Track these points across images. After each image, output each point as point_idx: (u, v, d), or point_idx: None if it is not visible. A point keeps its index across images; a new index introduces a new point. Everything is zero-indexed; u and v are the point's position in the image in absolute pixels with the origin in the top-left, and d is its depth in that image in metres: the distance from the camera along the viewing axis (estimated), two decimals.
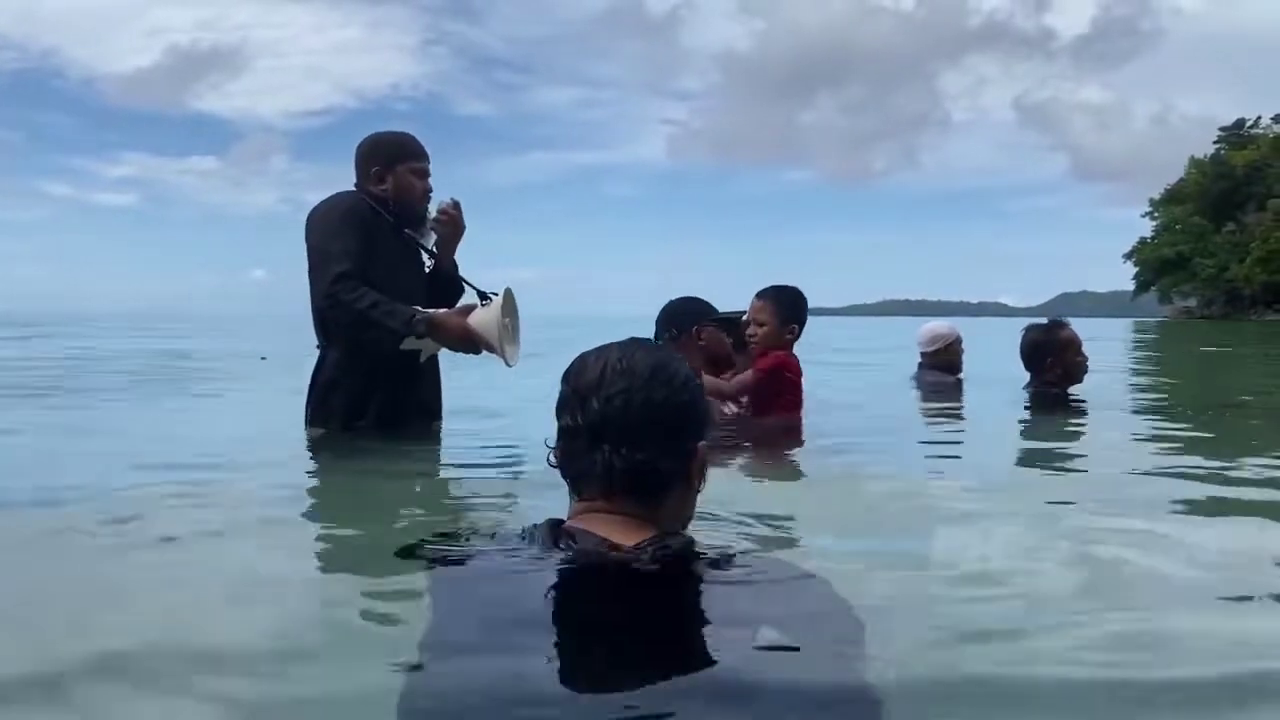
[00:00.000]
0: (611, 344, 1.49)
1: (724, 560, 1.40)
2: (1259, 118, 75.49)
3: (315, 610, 1.74)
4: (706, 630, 1.26)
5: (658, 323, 3.81)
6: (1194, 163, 76.97)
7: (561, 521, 1.44)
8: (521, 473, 3.08)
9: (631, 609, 1.30)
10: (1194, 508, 2.67)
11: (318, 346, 3.43)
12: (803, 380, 3.89)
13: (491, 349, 3.22)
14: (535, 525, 1.44)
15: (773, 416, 3.76)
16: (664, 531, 1.41)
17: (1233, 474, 3.11)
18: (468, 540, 1.57)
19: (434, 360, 3.52)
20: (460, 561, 1.47)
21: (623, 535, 1.37)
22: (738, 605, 1.31)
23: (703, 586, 1.34)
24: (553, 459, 1.50)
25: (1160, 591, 1.84)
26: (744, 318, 3.88)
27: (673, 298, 3.88)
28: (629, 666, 1.18)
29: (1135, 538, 2.19)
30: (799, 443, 3.66)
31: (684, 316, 3.78)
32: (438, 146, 3.57)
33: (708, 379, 3.54)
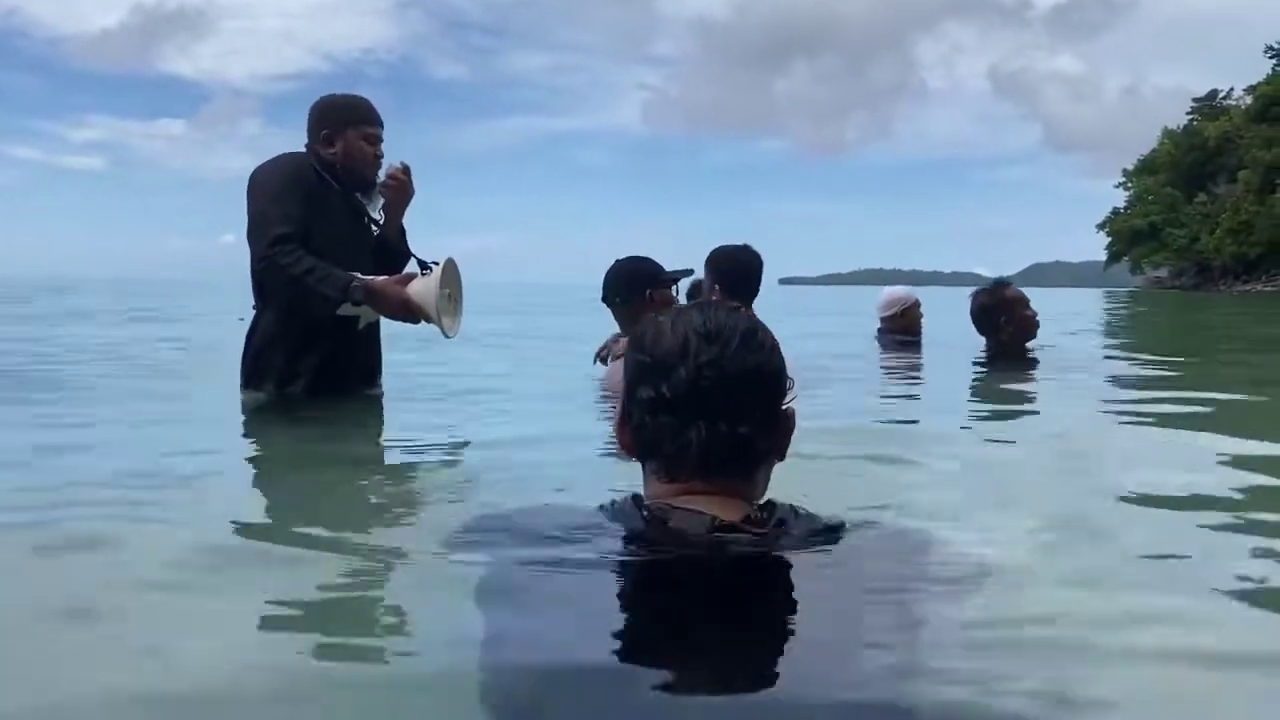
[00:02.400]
0: (682, 307, 1.34)
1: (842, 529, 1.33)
2: (1231, 89, 75.98)
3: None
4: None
5: (605, 286, 3.70)
6: (1167, 133, 77.46)
7: (639, 498, 1.32)
8: (469, 442, 3.02)
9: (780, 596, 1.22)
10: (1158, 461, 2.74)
11: (253, 308, 3.37)
12: None
13: (430, 319, 3.16)
14: (615, 503, 1.32)
15: None
16: (759, 504, 1.30)
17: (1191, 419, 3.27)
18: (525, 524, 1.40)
19: (374, 325, 3.44)
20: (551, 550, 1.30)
21: (725, 512, 1.25)
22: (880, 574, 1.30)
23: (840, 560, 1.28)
24: (625, 435, 1.33)
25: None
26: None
27: (617, 259, 3.75)
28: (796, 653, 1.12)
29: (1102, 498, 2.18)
30: None
31: (634, 280, 3.66)
32: (411, 110, 3.42)
33: None
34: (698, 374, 1.23)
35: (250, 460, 2.77)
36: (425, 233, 3.52)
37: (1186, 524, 1.95)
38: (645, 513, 1.26)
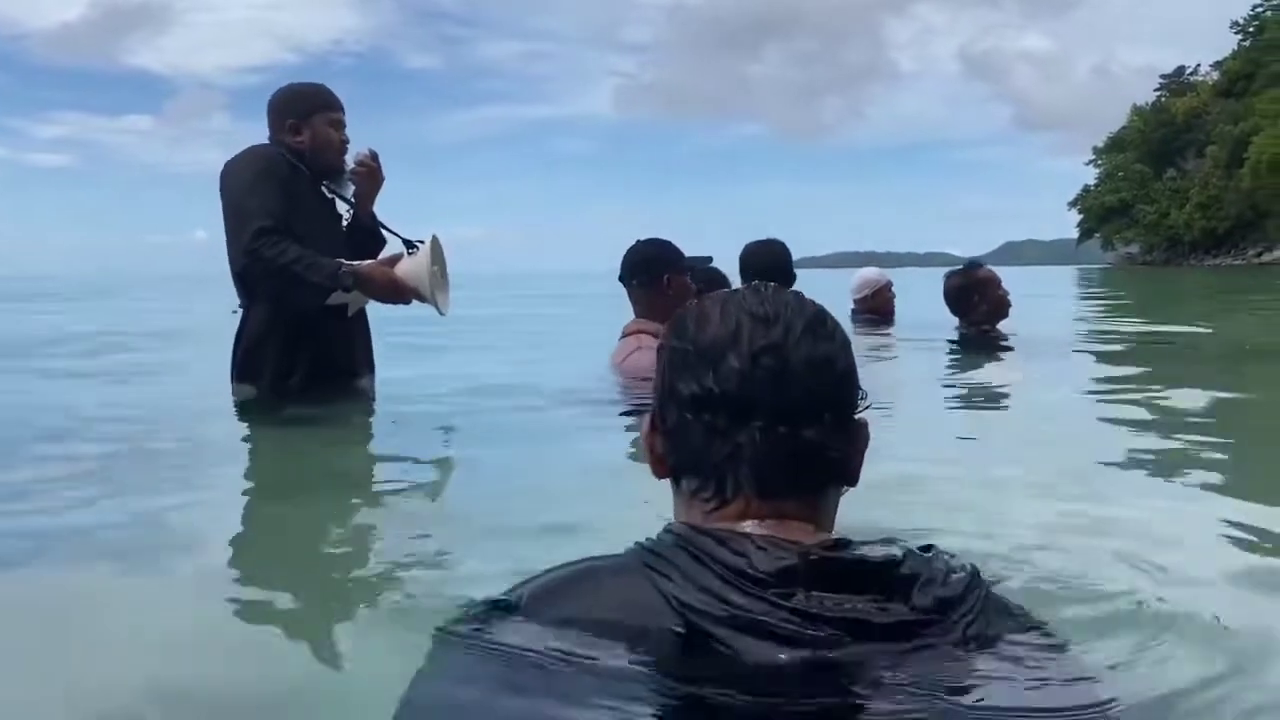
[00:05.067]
0: (732, 289, 1.06)
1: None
2: (1198, 65, 76.74)
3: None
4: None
5: (624, 266, 3.65)
6: (1136, 110, 78.00)
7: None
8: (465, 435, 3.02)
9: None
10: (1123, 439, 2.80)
11: (240, 306, 3.35)
12: None
13: (422, 298, 3.14)
14: (658, 539, 0.97)
15: None
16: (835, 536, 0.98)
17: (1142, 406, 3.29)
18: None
19: (362, 314, 3.45)
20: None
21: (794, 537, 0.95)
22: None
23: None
24: (658, 446, 1.04)
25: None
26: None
27: (639, 239, 3.70)
28: None
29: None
30: None
31: (653, 263, 3.61)
32: (382, 101, 3.39)
33: None
34: (753, 363, 0.97)
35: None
36: (401, 224, 3.36)
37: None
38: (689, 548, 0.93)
